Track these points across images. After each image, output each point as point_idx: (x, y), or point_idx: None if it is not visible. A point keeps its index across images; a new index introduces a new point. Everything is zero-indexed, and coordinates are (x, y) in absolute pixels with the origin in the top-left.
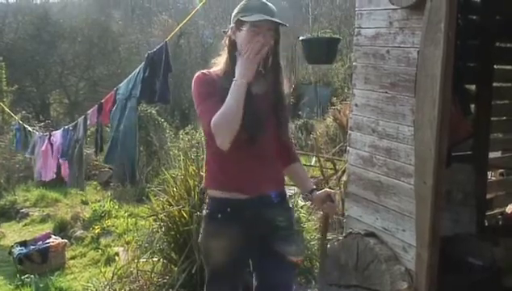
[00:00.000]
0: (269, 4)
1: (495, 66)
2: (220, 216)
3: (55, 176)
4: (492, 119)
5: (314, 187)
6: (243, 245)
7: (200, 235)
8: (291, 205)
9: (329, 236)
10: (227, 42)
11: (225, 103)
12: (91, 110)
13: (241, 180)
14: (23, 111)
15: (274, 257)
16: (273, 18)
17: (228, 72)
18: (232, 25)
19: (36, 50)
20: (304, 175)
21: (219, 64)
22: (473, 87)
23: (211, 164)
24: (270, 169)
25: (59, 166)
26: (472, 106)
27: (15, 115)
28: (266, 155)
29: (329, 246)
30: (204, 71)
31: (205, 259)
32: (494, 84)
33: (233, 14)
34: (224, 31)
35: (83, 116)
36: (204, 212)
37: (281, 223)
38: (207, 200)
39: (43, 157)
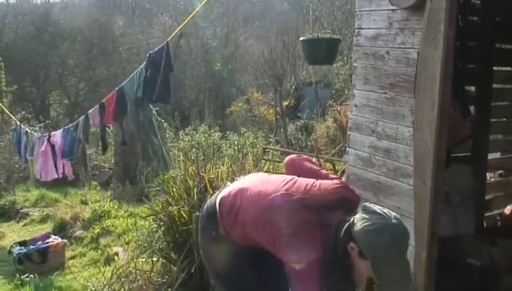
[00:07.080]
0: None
1: (495, 67)
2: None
3: (61, 176)
4: (491, 120)
5: None
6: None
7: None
8: None
9: None
10: (340, 247)
11: None
12: (92, 110)
13: None
14: (23, 112)
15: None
16: None
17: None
18: (356, 244)
19: (36, 50)
20: None
21: (312, 246)
22: (473, 88)
23: None
24: None
25: (62, 167)
26: (472, 107)
27: (15, 115)
28: None
29: None
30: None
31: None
32: (494, 85)
33: (373, 246)
34: (349, 243)
35: (84, 116)
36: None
37: None
38: None
39: (42, 157)
